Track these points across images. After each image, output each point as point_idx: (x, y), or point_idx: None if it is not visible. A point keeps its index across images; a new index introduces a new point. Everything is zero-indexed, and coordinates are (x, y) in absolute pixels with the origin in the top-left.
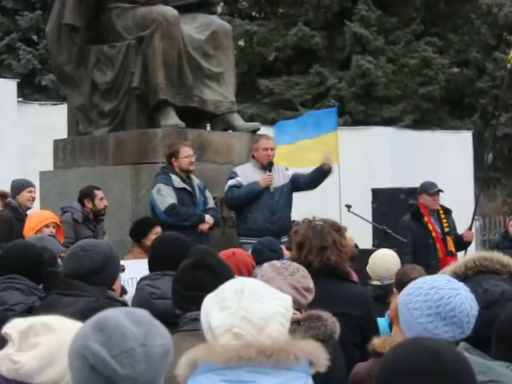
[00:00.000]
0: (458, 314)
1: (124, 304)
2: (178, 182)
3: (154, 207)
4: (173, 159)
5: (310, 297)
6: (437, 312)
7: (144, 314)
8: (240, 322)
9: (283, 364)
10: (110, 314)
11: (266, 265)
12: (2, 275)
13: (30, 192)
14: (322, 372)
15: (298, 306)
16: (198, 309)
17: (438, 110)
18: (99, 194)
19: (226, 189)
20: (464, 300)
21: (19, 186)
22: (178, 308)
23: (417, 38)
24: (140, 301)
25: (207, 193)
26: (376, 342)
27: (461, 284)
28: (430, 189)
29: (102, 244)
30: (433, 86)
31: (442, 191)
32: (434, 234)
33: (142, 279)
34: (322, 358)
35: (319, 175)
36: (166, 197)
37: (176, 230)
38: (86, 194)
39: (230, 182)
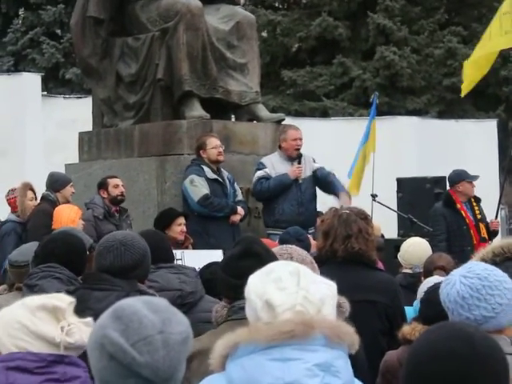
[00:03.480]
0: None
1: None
2: (209, 173)
3: (187, 198)
4: (201, 151)
5: None
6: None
7: (162, 302)
8: (302, 301)
9: (328, 342)
10: (128, 302)
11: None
12: (46, 261)
13: (71, 186)
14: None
15: None
16: None
17: (463, 102)
18: (112, 181)
19: (254, 180)
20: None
21: (64, 181)
22: (225, 297)
23: (441, 28)
24: None
25: (236, 185)
26: (406, 329)
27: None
28: (469, 177)
29: (139, 238)
30: (457, 77)
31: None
32: (467, 220)
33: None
34: (356, 341)
35: (329, 193)
36: (199, 187)
37: (208, 221)
38: (101, 185)
39: (259, 174)
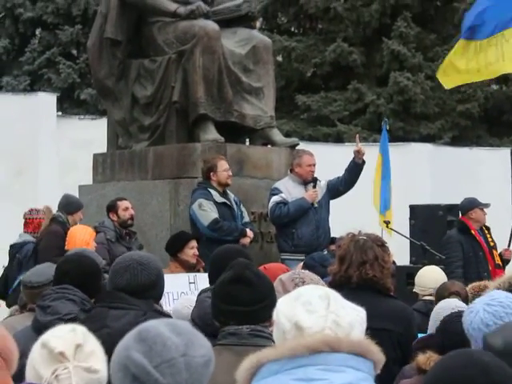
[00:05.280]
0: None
1: (170, 317)
2: (217, 196)
3: (196, 222)
4: (211, 173)
5: None
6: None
7: (185, 324)
8: (331, 325)
9: (354, 363)
10: (152, 324)
11: (283, 279)
12: (60, 282)
13: (82, 213)
14: None
15: None
16: (236, 323)
17: (477, 128)
18: (122, 204)
19: (271, 205)
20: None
21: (78, 205)
22: (217, 321)
23: None
24: (201, 313)
25: (242, 207)
26: (421, 358)
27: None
28: (482, 204)
29: (154, 258)
30: (471, 103)
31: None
32: (482, 246)
33: (202, 291)
34: (382, 361)
35: (354, 170)
36: (208, 212)
37: (217, 244)
38: (110, 208)
39: (275, 199)
